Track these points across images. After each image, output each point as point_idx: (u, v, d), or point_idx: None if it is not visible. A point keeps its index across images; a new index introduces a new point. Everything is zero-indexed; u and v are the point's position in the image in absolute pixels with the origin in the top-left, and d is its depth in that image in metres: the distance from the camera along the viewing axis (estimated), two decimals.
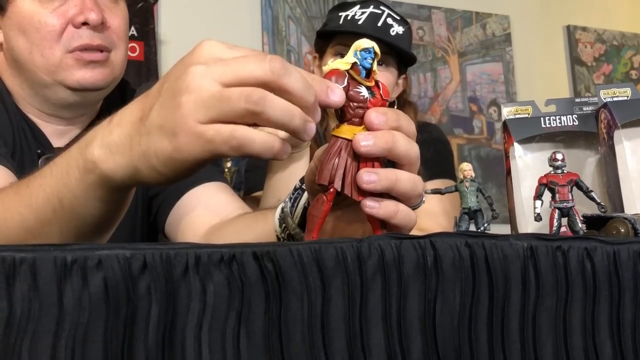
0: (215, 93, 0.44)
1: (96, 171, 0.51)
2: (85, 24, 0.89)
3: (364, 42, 0.50)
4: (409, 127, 0.50)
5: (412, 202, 0.51)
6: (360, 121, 0.49)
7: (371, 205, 0.49)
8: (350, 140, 0.49)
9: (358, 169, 0.49)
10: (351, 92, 0.49)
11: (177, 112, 0.44)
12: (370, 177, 0.48)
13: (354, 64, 0.49)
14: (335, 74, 0.49)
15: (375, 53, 0.50)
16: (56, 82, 0.90)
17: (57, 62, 0.89)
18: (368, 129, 0.49)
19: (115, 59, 0.93)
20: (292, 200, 0.66)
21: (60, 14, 0.89)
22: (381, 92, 0.50)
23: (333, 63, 0.50)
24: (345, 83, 0.49)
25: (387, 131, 0.48)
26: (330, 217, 0.53)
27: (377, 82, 0.50)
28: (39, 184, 0.56)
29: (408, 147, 0.49)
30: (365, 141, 0.48)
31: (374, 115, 0.48)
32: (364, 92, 0.49)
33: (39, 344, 0.33)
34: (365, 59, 0.49)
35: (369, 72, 0.50)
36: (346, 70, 0.49)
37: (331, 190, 0.49)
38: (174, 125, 0.45)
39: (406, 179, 0.49)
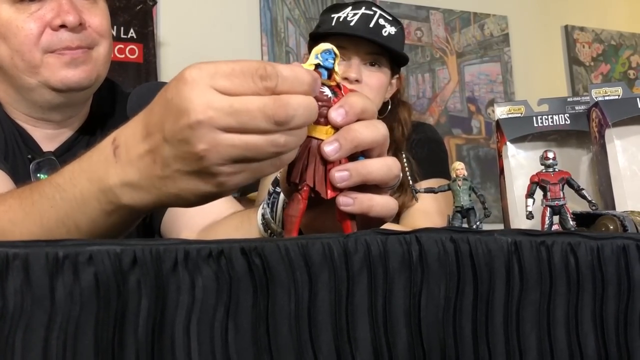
0: (238, 144, 0.45)
1: (120, 204, 0.51)
2: (63, 26, 0.89)
3: (323, 45, 0.51)
4: (370, 107, 0.50)
5: (390, 184, 0.51)
6: (326, 120, 0.50)
7: (346, 203, 0.50)
8: (317, 139, 0.50)
9: (326, 166, 0.50)
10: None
11: (203, 162, 0.45)
12: (342, 174, 0.49)
13: (317, 65, 0.51)
14: None
15: (335, 54, 0.51)
16: (40, 83, 0.90)
17: (38, 63, 0.89)
18: (332, 126, 0.50)
19: (97, 55, 0.93)
20: (270, 205, 0.67)
21: (37, 18, 0.89)
22: (342, 92, 0.51)
23: None
24: None
25: (348, 129, 0.49)
26: (311, 214, 0.53)
27: (338, 83, 0.52)
28: (49, 206, 0.55)
29: (372, 133, 0.49)
30: (331, 147, 0.48)
31: (334, 114, 0.49)
32: (327, 91, 0.50)
33: (32, 336, 0.34)
34: (327, 59, 0.51)
35: (330, 73, 0.51)
36: None
37: (305, 188, 0.50)
38: (206, 172, 0.46)
39: (379, 167, 0.50)
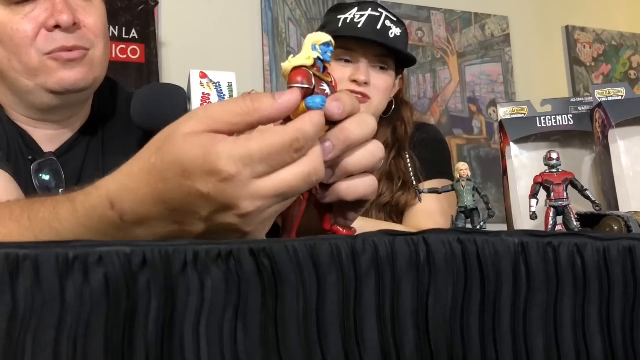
0: (280, 209, 0.47)
1: None
2: (57, 26, 0.89)
3: (323, 37, 0.49)
4: (357, 105, 0.51)
5: (377, 167, 0.52)
6: None
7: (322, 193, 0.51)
8: None
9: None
10: (317, 91, 0.49)
11: (244, 233, 0.46)
12: (327, 145, 0.49)
13: (317, 58, 0.49)
14: (302, 74, 0.48)
15: (332, 46, 0.50)
16: (38, 86, 0.90)
17: (36, 66, 0.89)
18: (328, 118, 0.48)
19: (94, 56, 0.93)
20: None
21: (31, 19, 0.89)
22: (334, 85, 0.50)
23: (294, 59, 0.49)
24: (314, 82, 0.48)
25: (341, 129, 0.49)
26: (305, 217, 0.53)
27: (332, 78, 0.51)
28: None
29: (363, 130, 0.50)
30: (328, 147, 0.49)
31: (333, 105, 0.48)
32: (326, 88, 0.49)
33: (42, 337, 0.34)
34: (326, 52, 0.49)
35: (324, 66, 0.50)
36: (309, 68, 0.48)
37: None
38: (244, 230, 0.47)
39: (360, 158, 0.50)
